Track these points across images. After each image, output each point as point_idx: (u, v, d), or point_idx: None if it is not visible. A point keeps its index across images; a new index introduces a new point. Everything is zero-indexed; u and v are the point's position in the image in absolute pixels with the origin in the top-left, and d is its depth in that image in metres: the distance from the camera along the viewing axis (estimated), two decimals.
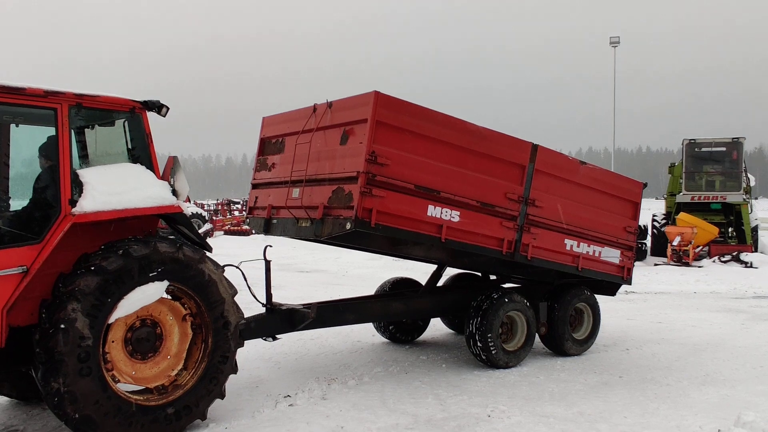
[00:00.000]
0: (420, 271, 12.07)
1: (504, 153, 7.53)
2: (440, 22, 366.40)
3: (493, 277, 9.63)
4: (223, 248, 20.74)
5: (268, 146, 8.36)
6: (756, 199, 23.72)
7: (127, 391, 5.50)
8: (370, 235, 6.91)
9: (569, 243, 8.26)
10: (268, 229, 7.92)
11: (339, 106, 7.00)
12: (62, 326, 5.00)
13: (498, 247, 7.54)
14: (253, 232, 33.26)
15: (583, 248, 8.42)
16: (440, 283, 9.39)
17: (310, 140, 7.24)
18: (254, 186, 8.50)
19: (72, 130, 5.54)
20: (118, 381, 5.43)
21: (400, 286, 9.35)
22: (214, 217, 35.02)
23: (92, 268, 5.19)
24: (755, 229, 20.64)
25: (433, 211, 6.93)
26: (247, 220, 8.64)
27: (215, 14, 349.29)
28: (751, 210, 20.80)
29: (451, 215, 7.06)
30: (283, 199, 7.50)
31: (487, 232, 7.42)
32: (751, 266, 18.11)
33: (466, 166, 7.20)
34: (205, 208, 38.97)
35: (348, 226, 6.39)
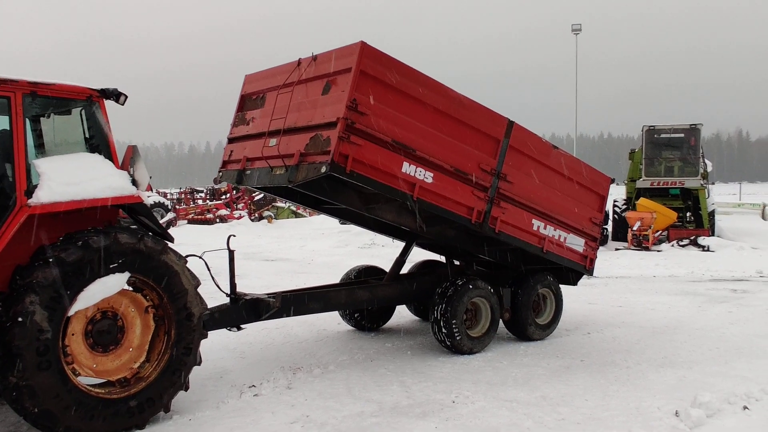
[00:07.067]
0: (385, 259, 12.11)
1: (481, 124, 7.65)
2: (407, 14, 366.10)
3: (457, 263, 9.71)
4: (187, 238, 20.48)
5: (248, 102, 8.32)
6: (713, 184, 24.20)
7: (88, 385, 5.43)
8: (343, 186, 6.99)
9: (536, 223, 8.38)
10: (240, 180, 7.87)
11: (324, 59, 7.04)
12: (20, 319, 4.92)
13: (468, 215, 7.64)
14: (218, 221, 32.74)
15: (549, 231, 8.55)
16: (405, 271, 9.44)
17: (292, 91, 7.28)
18: (230, 140, 8.41)
19: (27, 119, 5.41)
20: (79, 374, 5.35)
21: (366, 274, 9.37)
22: (177, 206, 34.54)
23: (50, 260, 5.10)
24: (712, 214, 21.10)
25: (408, 168, 7.01)
26: (220, 174, 8.47)
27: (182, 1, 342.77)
28: (709, 195, 21.24)
29: (425, 175, 7.15)
30: (259, 149, 7.46)
31: (458, 199, 7.51)
32: (708, 250, 18.54)
33: (444, 130, 7.31)
34: (168, 197, 38.46)
35: (323, 169, 6.42)
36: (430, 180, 7.20)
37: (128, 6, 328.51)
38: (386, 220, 8.01)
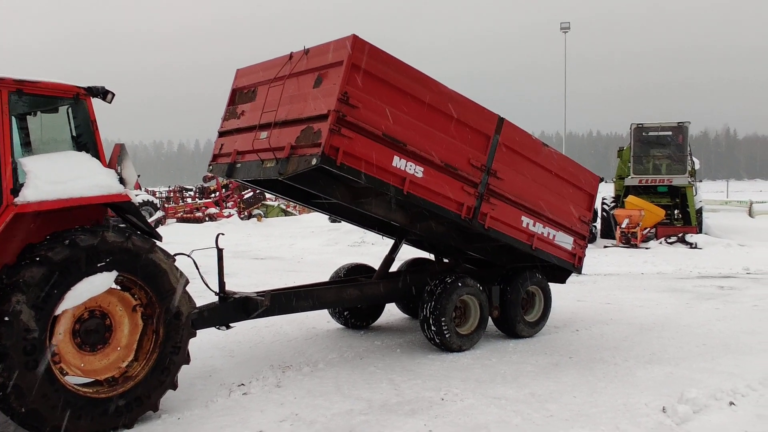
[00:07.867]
0: (375, 257, 12.10)
1: (471, 119, 7.68)
2: (401, 13, 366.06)
3: (446, 261, 9.73)
4: (176, 236, 20.42)
5: (239, 96, 8.31)
6: (700, 181, 24.36)
7: (76, 384, 5.40)
8: (333, 180, 6.98)
9: (526, 220, 8.41)
10: (231, 173, 7.86)
11: (316, 52, 7.05)
12: (6, 319, 4.89)
13: (458, 211, 7.66)
14: (207, 219, 32.58)
15: (539, 228, 8.58)
16: (394, 269, 9.44)
17: (283, 85, 7.28)
18: (221, 134, 8.39)
19: (13, 118, 5.37)
20: (67, 374, 5.32)
21: (355, 273, 9.37)
22: (166, 205, 34.41)
23: (37, 258, 5.07)
24: (700, 211, 21.26)
25: (398, 162, 7.03)
26: (210, 167, 8.45)
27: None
28: (696, 192, 21.40)
29: (415, 170, 7.17)
30: (250, 142, 7.45)
31: (448, 194, 7.53)
32: (695, 247, 18.66)
33: (434, 125, 7.34)
34: (157, 196, 38.29)
35: (314, 161, 6.43)
36: (420, 174, 7.21)
37: (120, 2, 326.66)
38: (376, 215, 8.01)
